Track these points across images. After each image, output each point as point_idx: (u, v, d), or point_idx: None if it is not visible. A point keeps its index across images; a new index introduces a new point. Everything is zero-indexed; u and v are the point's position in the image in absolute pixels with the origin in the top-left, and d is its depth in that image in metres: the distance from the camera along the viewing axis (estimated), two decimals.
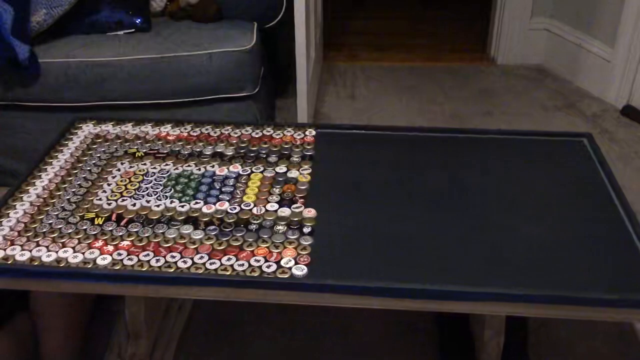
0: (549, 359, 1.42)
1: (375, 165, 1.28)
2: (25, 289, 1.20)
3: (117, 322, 1.44)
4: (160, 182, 1.22)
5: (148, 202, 1.16)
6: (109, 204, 1.16)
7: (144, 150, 1.32)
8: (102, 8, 1.98)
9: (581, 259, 1.04)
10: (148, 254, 1.03)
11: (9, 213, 1.14)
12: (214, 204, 1.15)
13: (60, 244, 1.06)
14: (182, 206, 1.15)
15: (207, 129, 1.40)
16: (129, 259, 1.02)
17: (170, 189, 1.20)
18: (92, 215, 1.13)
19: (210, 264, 1.01)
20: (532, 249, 1.06)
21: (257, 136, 1.37)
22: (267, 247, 1.04)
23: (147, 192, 1.19)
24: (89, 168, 1.27)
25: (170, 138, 1.36)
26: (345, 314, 1.51)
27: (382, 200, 1.18)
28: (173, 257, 1.03)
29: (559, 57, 2.81)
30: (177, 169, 1.26)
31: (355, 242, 1.07)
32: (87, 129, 1.40)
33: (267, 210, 1.13)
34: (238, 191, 1.19)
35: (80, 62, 1.85)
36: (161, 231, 1.08)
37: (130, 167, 1.27)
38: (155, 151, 1.32)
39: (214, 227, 1.09)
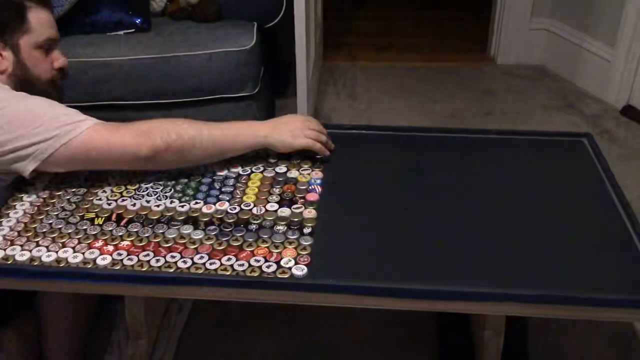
0: (549, 359, 1.42)
1: (375, 165, 1.28)
2: (25, 289, 1.20)
3: (117, 322, 1.44)
4: (160, 182, 1.22)
5: (148, 202, 1.16)
6: (109, 204, 1.16)
7: None
8: (102, 8, 1.98)
9: (581, 258, 1.04)
10: (148, 254, 1.03)
11: (9, 213, 1.14)
12: (214, 204, 1.15)
13: (60, 244, 1.06)
14: (182, 206, 1.14)
15: None
16: (129, 259, 1.02)
17: (170, 189, 1.19)
18: (92, 215, 1.13)
19: (210, 264, 1.01)
20: (532, 248, 1.06)
21: None
22: (267, 247, 1.04)
23: (147, 192, 1.19)
24: None
25: None
26: (345, 314, 1.51)
27: (382, 200, 1.18)
28: (173, 257, 1.03)
29: (559, 57, 2.81)
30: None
31: (355, 242, 1.07)
32: None
33: (267, 211, 1.13)
34: (238, 191, 1.19)
35: (80, 62, 1.85)
36: (161, 231, 1.08)
37: None
38: None
39: (214, 227, 1.09)
